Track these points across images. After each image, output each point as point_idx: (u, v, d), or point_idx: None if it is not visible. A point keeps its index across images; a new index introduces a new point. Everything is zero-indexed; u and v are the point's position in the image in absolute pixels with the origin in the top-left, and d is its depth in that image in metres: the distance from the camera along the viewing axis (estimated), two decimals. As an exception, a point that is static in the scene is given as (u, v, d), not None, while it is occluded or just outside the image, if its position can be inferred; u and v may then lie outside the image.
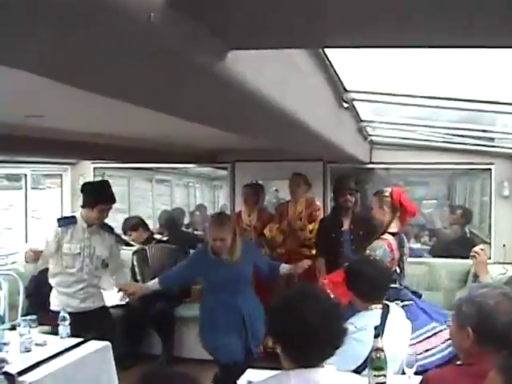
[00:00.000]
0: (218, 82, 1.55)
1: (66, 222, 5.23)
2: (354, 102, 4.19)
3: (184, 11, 1.12)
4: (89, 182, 6.11)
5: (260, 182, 7.41)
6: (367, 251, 4.76)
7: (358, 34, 1.38)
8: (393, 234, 4.91)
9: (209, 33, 1.28)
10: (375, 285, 3.72)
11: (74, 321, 4.60)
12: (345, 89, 3.69)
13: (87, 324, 4.83)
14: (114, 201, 5.35)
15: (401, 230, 5.06)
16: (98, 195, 5.20)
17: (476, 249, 4.35)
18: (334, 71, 3.18)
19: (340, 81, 3.48)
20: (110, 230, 5.54)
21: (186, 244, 7.07)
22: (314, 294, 2.42)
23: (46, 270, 5.47)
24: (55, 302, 5.20)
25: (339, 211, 6.04)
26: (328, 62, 2.93)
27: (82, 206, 5.22)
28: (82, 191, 5.32)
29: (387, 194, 5.06)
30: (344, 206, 5.97)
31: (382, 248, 4.76)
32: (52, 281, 5.21)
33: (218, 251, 4.73)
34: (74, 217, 5.31)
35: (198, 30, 1.24)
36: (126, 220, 7.52)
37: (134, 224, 7.28)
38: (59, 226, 5.14)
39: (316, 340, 2.28)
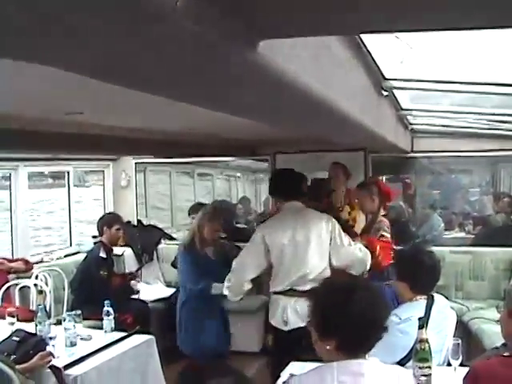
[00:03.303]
0: (251, 72, 1.53)
1: None
2: (394, 91, 4.13)
3: (213, 2, 1.10)
4: None
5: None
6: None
7: (395, 17, 1.35)
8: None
9: (240, 22, 1.26)
10: (431, 276, 3.68)
11: None
12: (384, 77, 3.64)
13: None
14: None
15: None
16: None
17: None
18: (372, 59, 3.14)
19: (379, 69, 3.43)
20: None
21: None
22: (357, 285, 2.40)
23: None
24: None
25: None
26: (365, 50, 2.89)
27: None
28: None
29: (373, 184, 5.89)
30: None
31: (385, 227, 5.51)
32: None
33: None
34: None
35: (228, 20, 1.22)
36: (193, 205, 7.47)
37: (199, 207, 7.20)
38: None
39: (358, 332, 2.26)
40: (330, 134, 4.41)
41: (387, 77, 3.64)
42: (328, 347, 2.35)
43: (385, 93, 3.90)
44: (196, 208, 7.18)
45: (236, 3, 1.16)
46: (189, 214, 7.37)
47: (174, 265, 6.86)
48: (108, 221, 6.39)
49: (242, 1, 1.15)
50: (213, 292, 4.97)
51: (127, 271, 6.98)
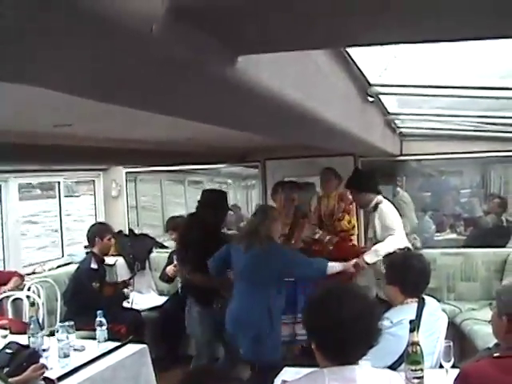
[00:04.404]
0: (231, 87, 1.55)
1: None
2: (380, 96, 4.16)
3: (187, 21, 1.12)
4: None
5: (292, 179, 7.39)
6: None
7: (374, 31, 1.36)
8: None
9: (215, 40, 1.27)
10: (422, 278, 3.70)
11: None
12: (369, 83, 3.65)
13: None
14: None
15: None
16: None
17: None
18: (356, 66, 3.15)
19: (363, 75, 3.45)
20: None
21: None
22: (350, 293, 2.41)
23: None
24: None
25: None
26: (349, 58, 2.91)
27: None
28: None
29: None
30: None
31: None
32: None
33: None
34: None
35: (203, 38, 1.23)
36: (169, 219, 7.53)
37: (176, 224, 7.23)
38: None
39: (350, 339, 2.27)
40: (318, 143, 4.44)
41: (372, 82, 3.67)
42: (321, 354, 2.37)
43: (370, 99, 3.92)
44: (173, 223, 7.25)
45: (212, 21, 1.17)
46: (166, 231, 7.42)
47: (162, 278, 6.92)
48: (99, 231, 6.38)
49: (218, 18, 1.16)
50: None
51: (119, 280, 6.97)
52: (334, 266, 5.01)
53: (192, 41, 1.20)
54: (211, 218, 5.56)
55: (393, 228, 5.61)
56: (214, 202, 5.69)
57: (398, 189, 7.44)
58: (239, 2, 1.06)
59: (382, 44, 1.90)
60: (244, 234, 5.25)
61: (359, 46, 2.24)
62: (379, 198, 5.81)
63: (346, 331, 2.26)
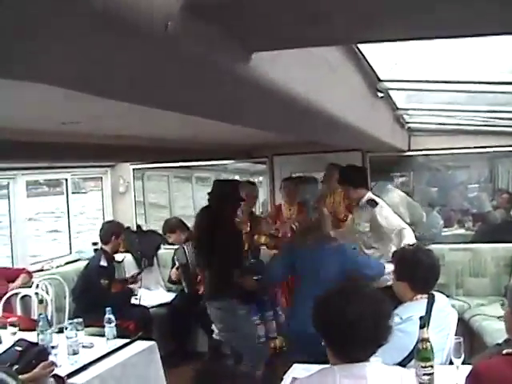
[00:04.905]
0: (244, 84, 1.54)
1: None
2: (389, 91, 4.14)
3: (202, 17, 1.11)
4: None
5: (300, 175, 7.39)
6: None
7: (385, 27, 1.35)
8: None
9: (230, 37, 1.27)
10: (431, 274, 3.69)
11: None
12: (378, 78, 3.64)
13: None
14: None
15: None
16: None
17: None
18: (366, 61, 3.14)
19: (373, 70, 3.43)
20: None
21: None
22: (358, 291, 2.40)
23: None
24: None
25: None
26: (359, 53, 2.90)
27: None
28: None
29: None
30: None
31: None
32: None
33: None
34: None
35: (218, 35, 1.23)
36: (165, 222, 7.58)
37: (171, 226, 7.32)
38: None
39: (358, 337, 2.27)
40: (328, 139, 4.42)
41: (382, 78, 3.65)
42: (331, 351, 2.37)
43: (380, 94, 3.90)
44: (169, 225, 7.24)
45: (227, 18, 1.17)
46: (164, 233, 7.42)
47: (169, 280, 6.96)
48: (116, 229, 6.41)
49: (232, 15, 1.15)
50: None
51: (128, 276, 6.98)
52: (388, 268, 4.93)
53: (207, 38, 1.20)
54: (228, 213, 5.38)
55: (401, 223, 5.62)
56: (228, 195, 5.46)
57: (389, 186, 7.36)
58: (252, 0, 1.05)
59: (392, 40, 1.89)
60: (306, 232, 5.16)
61: (370, 42, 2.22)
62: (369, 193, 5.79)
63: (354, 330, 2.26)
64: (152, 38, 1.05)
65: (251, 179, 7.75)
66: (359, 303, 2.29)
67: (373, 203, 5.70)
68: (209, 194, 5.56)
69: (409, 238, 5.38)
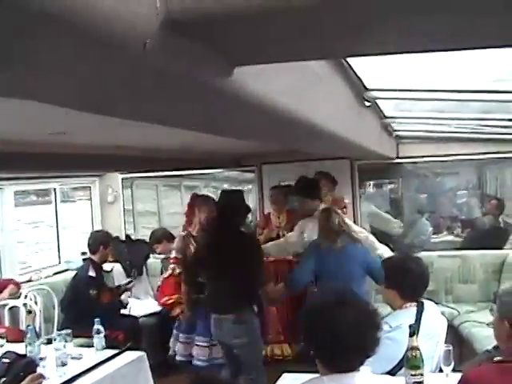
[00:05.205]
0: (227, 98, 1.54)
1: None
2: (377, 100, 4.15)
3: (183, 33, 1.11)
4: None
5: (288, 183, 7.39)
6: None
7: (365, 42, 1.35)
8: None
9: (211, 52, 1.26)
10: (420, 282, 3.69)
11: None
12: (365, 87, 3.64)
13: None
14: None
15: None
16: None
17: None
18: (353, 71, 3.15)
19: (360, 80, 3.44)
20: None
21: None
22: (346, 302, 2.38)
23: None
24: None
25: None
26: (345, 63, 2.90)
27: None
28: None
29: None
30: None
31: None
32: None
33: None
34: None
35: (200, 51, 1.22)
36: (152, 233, 7.56)
37: (158, 237, 7.30)
38: None
39: (346, 348, 2.25)
40: (314, 149, 4.43)
41: (369, 87, 3.66)
42: (319, 362, 2.36)
43: (367, 103, 3.91)
44: (159, 236, 7.21)
45: (208, 33, 1.16)
46: (152, 244, 7.41)
47: None
48: (104, 239, 6.38)
49: (214, 31, 1.15)
50: None
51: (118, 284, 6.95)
52: None
53: (188, 54, 1.20)
54: (241, 223, 5.27)
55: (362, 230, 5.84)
56: (239, 208, 5.27)
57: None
58: (235, 15, 1.05)
59: (376, 55, 1.88)
60: (330, 232, 5.10)
61: (354, 56, 2.23)
62: (322, 205, 5.81)
63: (342, 341, 2.24)
64: (131, 56, 1.04)
65: (240, 188, 7.75)
66: (347, 314, 2.28)
67: None
68: (219, 205, 5.36)
69: (378, 244, 5.55)
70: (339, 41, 1.34)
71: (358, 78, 3.37)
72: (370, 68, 3.28)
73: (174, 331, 5.86)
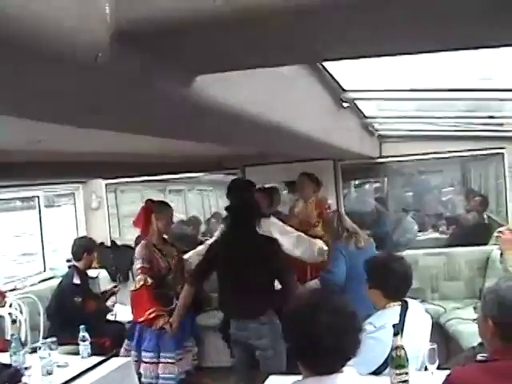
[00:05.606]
0: (190, 106, 1.53)
1: None
2: (357, 101, 4.15)
3: (137, 46, 1.10)
4: None
5: (272, 185, 7.38)
6: None
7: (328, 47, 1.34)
8: None
9: (169, 62, 1.26)
10: (403, 282, 3.70)
11: None
12: (343, 89, 3.65)
13: None
14: None
15: None
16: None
17: (501, 228, 4.45)
18: (328, 73, 3.14)
19: (336, 82, 3.44)
20: None
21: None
22: (324, 305, 2.38)
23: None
24: None
25: None
26: (320, 65, 2.89)
27: None
28: None
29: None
30: None
31: None
32: None
33: None
34: None
35: (156, 62, 1.22)
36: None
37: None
38: None
39: (325, 350, 2.25)
40: (292, 151, 4.42)
41: (346, 88, 3.66)
42: (300, 364, 2.36)
43: (345, 104, 3.91)
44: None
45: (163, 44, 1.15)
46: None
47: None
48: (88, 246, 6.34)
49: (165, 41, 1.13)
50: None
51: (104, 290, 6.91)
52: None
53: (142, 65, 1.19)
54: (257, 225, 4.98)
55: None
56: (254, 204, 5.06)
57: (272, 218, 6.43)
58: (185, 25, 1.04)
59: (341, 59, 1.87)
60: (350, 230, 5.31)
61: (315, 62, 2.22)
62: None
63: (319, 343, 2.24)
64: (83, 69, 1.04)
65: (225, 191, 7.73)
66: (328, 315, 2.27)
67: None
68: (233, 203, 5.06)
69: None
70: (298, 47, 1.32)
71: (335, 79, 3.36)
72: (347, 69, 3.28)
73: (134, 352, 5.28)
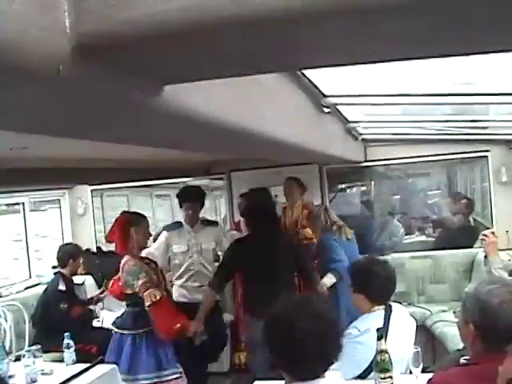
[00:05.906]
0: (160, 115, 1.53)
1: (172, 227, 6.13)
2: (339, 106, 4.15)
3: (99, 58, 1.11)
4: None
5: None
6: None
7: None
8: None
9: (135, 73, 1.26)
10: (387, 285, 3.70)
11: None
12: (323, 94, 3.64)
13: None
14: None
15: None
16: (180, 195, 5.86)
17: (485, 232, 4.48)
18: (308, 79, 3.13)
19: (316, 87, 3.43)
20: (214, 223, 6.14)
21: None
22: (305, 310, 2.37)
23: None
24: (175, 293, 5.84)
25: None
26: (300, 72, 2.88)
27: None
28: None
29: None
30: None
31: None
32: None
33: None
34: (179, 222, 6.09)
35: (120, 73, 1.22)
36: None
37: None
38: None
39: (306, 356, 2.25)
40: (275, 157, 4.42)
41: (327, 93, 3.65)
42: (282, 370, 2.36)
43: (326, 109, 3.91)
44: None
45: (127, 56, 1.15)
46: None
47: None
48: (73, 252, 6.32)
49: (126, 53, 1.13)
50: None
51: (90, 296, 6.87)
52: None
53: (106, 77, 1.19)
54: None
55: None
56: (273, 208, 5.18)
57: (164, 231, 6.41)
58: (145, 37, 1.04)
59: (314, 68, 1.86)
60: (338, 223, 5.62)
61: (285, 70, 2.22)
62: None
63: (299, 349, 2.23)
64: (45, 81, 1.04)
65: (212, 194, 7.75)
66: (309, 320, 2.27)
67: (211, 222, 6.13)
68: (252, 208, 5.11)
69: None
70: (254, 57, 1.31)
71: (315, 85, 3.35)
72: (328, 74, 3.28)
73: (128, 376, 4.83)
